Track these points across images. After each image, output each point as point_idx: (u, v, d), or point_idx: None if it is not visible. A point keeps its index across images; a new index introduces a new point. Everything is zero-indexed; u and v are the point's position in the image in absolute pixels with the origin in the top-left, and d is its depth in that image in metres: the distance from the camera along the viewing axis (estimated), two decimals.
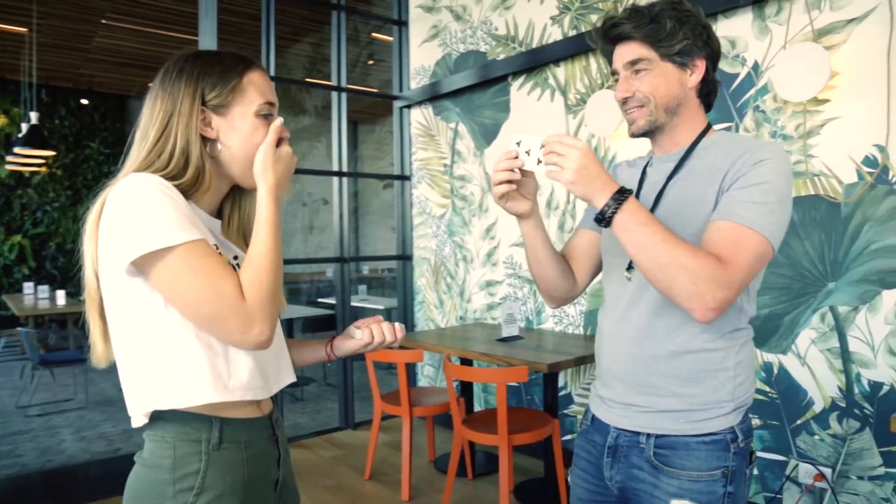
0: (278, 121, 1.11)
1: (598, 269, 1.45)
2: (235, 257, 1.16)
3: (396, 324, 1.23)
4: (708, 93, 1.27)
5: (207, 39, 3.79)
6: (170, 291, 0.98)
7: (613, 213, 1.08)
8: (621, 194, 1.08)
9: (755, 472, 2.73)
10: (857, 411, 2.50)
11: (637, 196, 1.30)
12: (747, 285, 1.12)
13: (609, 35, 1.25)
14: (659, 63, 1.21)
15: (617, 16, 1.24)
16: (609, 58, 1.30)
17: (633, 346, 1.25)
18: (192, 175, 1.06)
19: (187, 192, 1.06)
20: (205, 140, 1.08)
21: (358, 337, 1.24)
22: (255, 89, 1.10)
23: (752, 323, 1.28)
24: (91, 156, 9.98)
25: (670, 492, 1.19)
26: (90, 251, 1.03)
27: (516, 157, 1.15)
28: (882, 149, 2.42)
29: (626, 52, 1.23)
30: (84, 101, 9.94)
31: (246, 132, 1.09)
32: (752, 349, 1.27)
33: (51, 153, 7.74)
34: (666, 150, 1.29)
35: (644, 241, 1.07)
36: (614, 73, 1.28)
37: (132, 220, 0.96)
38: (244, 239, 1.22)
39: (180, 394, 1.01)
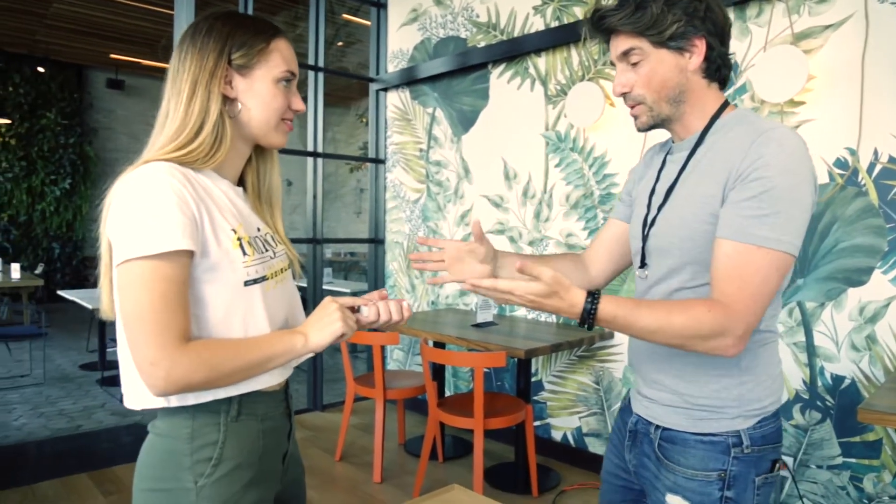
0: (370, 301, 1.12)
1: (622, 261, 1.45)
2: (258, 229, 1.13)
3: (404, 301, 1.14)
4: (718, 68, 1.18)
5: (184, 11, 3.71)
6: (120, 289, 0.95)
7: (593, 319, 1.05)
8: (592, 300, 1.05)
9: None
10: (819, 403, 2.61)
11: (653, 190, 1.28)
12: (769, 300, 1.09)
13: (598, 29, 1.20)
14: (653, 51, 1.15)
15: (602, 7, 1.18)
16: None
17: (643, 343, 1.25)
18: (208, 137, 1.05)
19: (206, 157, 1.05)
20: (225, 99, 1.08)
21: (364, 314, 1.11)
22: (280, 56, 1.12)
23: None
24: (47, 126, 9.56)
25: (667, 486, 1.19)
26: (103, 229, 1.01)
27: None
28: (853, 152, 2.51)
29: (618, 43, 1.18)
30: (41, 69, 9.55)
31: (266, 97, 1.10)
32: (770, 354, 1.20)
33: (5, 121, 7.40)
34: (681, 136, 1.24)
35: (639, 332, 1.08)
36: (615, 65, 1.22)
37: (127, 222, 0.94)
38: (269, 206, 1.22)
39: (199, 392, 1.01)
